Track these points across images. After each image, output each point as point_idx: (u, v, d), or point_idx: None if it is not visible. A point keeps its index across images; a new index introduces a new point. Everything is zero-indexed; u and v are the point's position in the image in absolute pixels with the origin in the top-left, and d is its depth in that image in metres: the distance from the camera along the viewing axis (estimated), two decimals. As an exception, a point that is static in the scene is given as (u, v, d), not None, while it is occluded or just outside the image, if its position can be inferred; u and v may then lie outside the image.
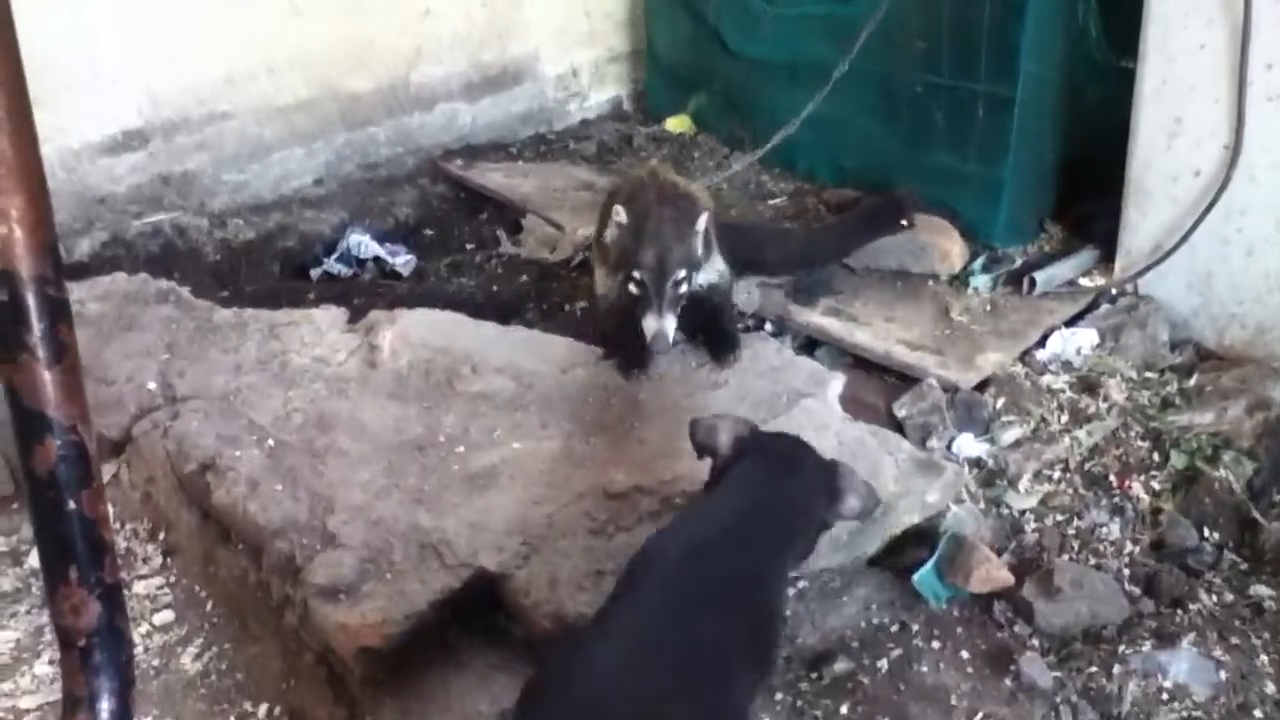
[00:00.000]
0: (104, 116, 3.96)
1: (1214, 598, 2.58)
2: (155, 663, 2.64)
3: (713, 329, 3.14)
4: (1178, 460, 2.93)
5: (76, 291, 3.40)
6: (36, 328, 1.13)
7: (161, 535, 2.98)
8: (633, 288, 2.91)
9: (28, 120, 1.09)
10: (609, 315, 3.12)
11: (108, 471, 2.99)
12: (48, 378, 1.14)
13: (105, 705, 1.29)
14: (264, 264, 4.17)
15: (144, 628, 2.72)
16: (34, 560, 2.94)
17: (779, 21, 4.28)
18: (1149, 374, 3.24)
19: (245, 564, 2.68)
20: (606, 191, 3.33)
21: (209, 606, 2.79)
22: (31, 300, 1.12)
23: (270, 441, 2.86)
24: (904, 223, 3.54)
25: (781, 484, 2.10)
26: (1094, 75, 3.76)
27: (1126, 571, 2.68)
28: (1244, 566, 2.68)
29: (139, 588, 2.83)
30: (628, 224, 2.90)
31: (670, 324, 2.89)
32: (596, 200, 4.32)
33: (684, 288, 2.92)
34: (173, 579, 2.88)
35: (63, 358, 1.16)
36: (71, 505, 1.18)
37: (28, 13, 1.15)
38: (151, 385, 3.11)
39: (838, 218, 3.94)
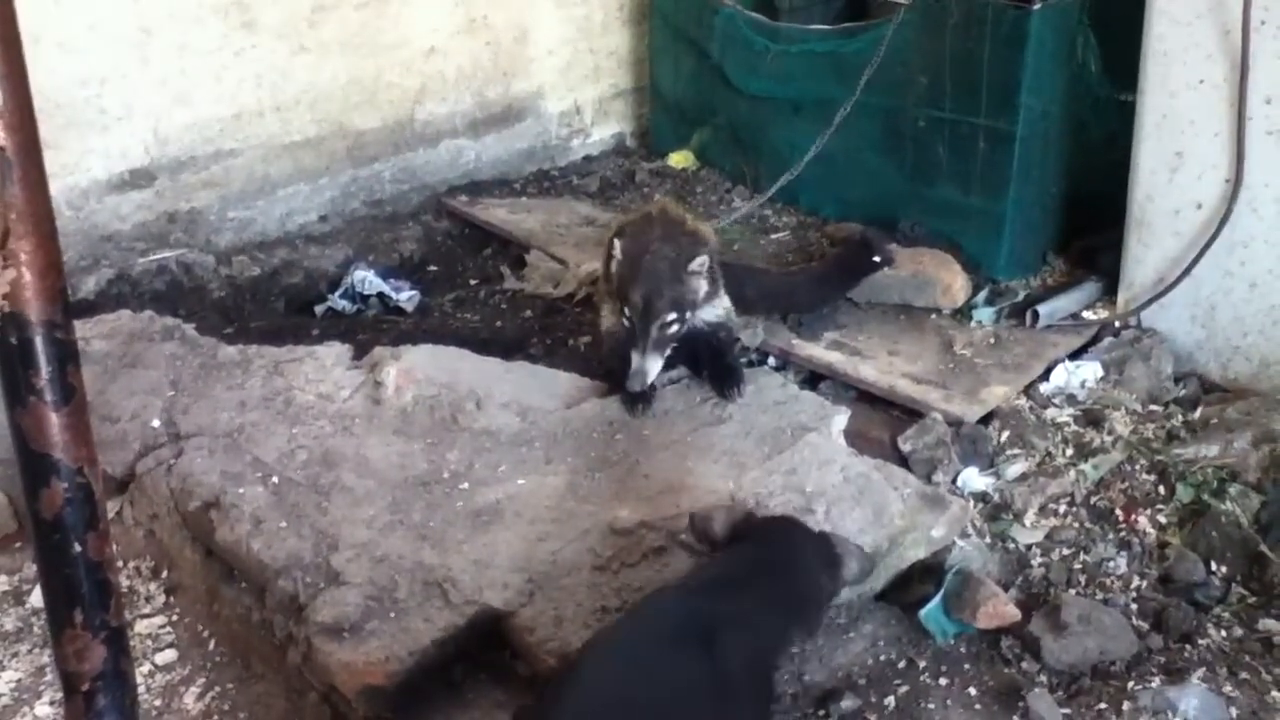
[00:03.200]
0: (111, 155, 3.99)
1: (1223, 633, 2.57)
2: (157, 703, 2.62)
3: (717, 364, 3.14)
4: (1184, 494, 2.92)
5: (82, 329, 3.41)
6: (44, 371, 1.13)
7: (164, 573, 2.97)
8: (625, 322, 2.95)
9: (39, 164, 1.10)
10: (614, 350, 3.13)
11: (111, 509, 2.98)
12: (55, 421, 1.14)
13: (109, 750, 1.29)
14: (269, 301, 4.18)
15: (146, 667, 2.70)
16: (36, 599, 2.92)
17: (782, 58, 4.31)
18: (1153, 407, 3.24)
19: (249, 602, 2.66)
20: (611, 227, 3.33)
21: (212, 645, 2.77)
22: (40, 344, 1.12)
23: (274, 479, 2.86)
24: (877, 259, 3.53)
25: (783, 556, 2.15)
26: (1095, 110, 3.79)
27: (1134, 606, 2.67)
28: (1253, 601, 2.67)
29: (141, 627, 2.81)
30: (623, 259, 2.94)
31: (653, 364, 2.94)
32: (600, 235, 4.35)
33: (674, 329, 2.95)
34: (175, 618, 2.86)
35: (70, 401, 1.16)
36: (77, 548, 1.18)
37: (35, 52, 1.16)
38: (156, 423, 3.10)
39: (813, 265, 3.94)
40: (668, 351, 2.98)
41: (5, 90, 1.05)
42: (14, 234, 1.08)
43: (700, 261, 2.99)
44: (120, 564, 2.98)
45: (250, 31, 4.15)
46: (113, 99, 3.93)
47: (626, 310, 2.93)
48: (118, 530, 3.00)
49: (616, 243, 2.96)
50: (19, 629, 2.85)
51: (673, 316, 2.92)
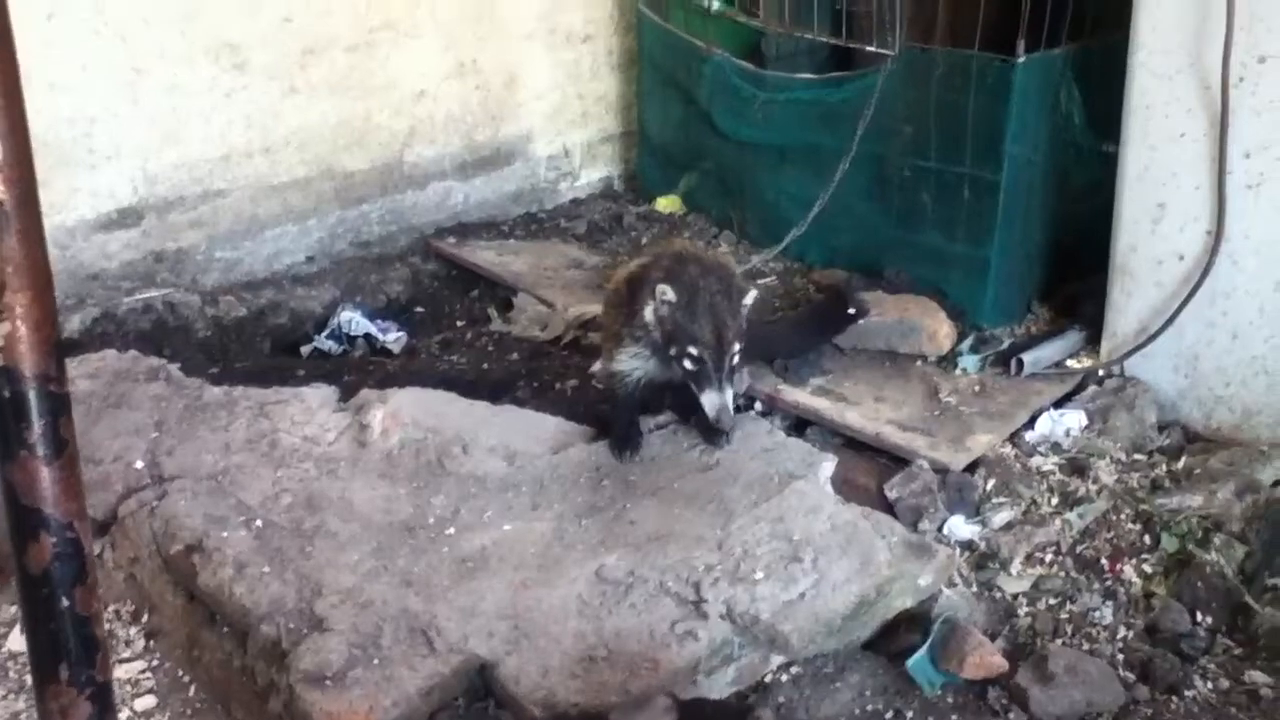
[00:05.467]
0: (99, 194, 3.99)
1: (1209, 684, 2.57)
2: (136, 750, 2.59)
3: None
4: (1168, 543, 2.93)
5: (66, 368, 3.39)
6: (37, 425, 1.12)
7: (145, 617, 2.93)
8: (688, 364, 2.89)
9: (36, 218, 1.10)
10: (611, 389, 3.10)
11: (92, 551, 2.94)
12: (46, 475, 1.13)
13: (91, 806, 1.26)
14: (255, 341, 4.17)
15: (125, 714, 2.66)
16: (13, 643, 2.88)
17: (769, 106, 4.36)
18: (1138, 456, 3.26)
19: (230, 648, 2.63)
20: (629, 267, 3.22)
21: (192, 691, 2.73)
22: (33, 398, 1.12)
23: (258, 522, 2.83)
24: (851, 311, 3.53)
25: None
26: (1078, 160, 3.84)
27: (1121, 657, 2.67)
28: (1238, 652, 2.67)
29: (120, 672, 2.77)
30: (678, 301, 2.88)
31: (730, 398, 2.91)
32: (588, 278, 4.37)
33: (736, 361, 2.94)
34: (155, 663, 2.82)
35: (62, 454, 1.15)
36: (65, 603, 1.17)
37: (25, 92, 1.16)
38: (139, 464, 3.08)
39: (791, 314, 3.95)
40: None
41: (6, 144, 1.05)
42: (9, 287, 1.07)
43: (751, 297, 3.00)
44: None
45: (241, 73, 4.17)
46: (102, 138, 3.94)
47: (694, 350, 2.86)
48: (98, 573, 2.96)
49: (665, 287, 2.88)
50: (-5, 674, 2.81)
51: (738, 348, 2.91)
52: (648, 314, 2.95)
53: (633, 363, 3.04)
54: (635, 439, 3.07)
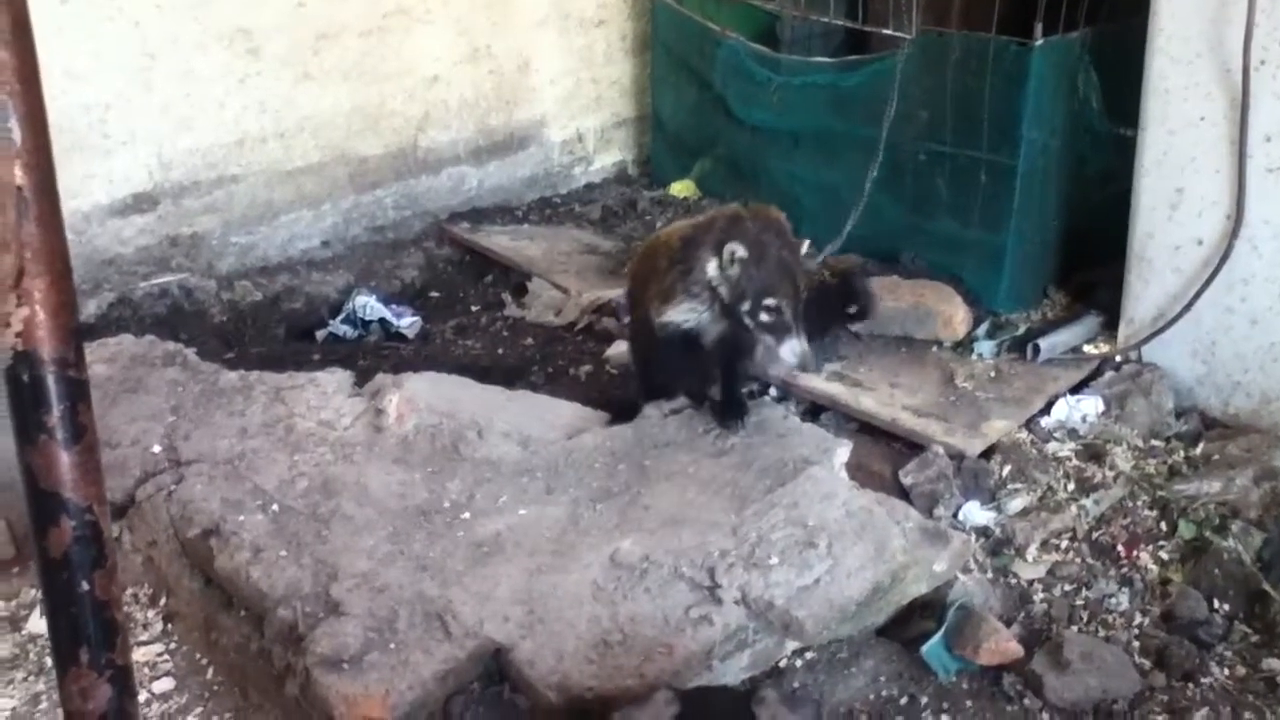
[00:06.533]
0: (114, 179, 4.00)
1: (1226, 671, 2.56)
2: (154, 732, 2.61)
3: (722, 394, 3.14)
4: (1186, 530, 2.91)
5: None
6: (56, 409, 1.13)
7: (162, 600, 2.95)
8: (765, 316, 2.88)
9: (55, 203, 1.10)
10: (666, 344, 3.08)
11: (110, 535, 2.96)
12: (65, 459, 1.14)
13: (111, 789, 1.27)
14: (270, 326, 4.19)
15: (143, 696, 2.67)
16: (32, 625, 2.91)
17: (783, 90, 4.34)
18: (1155, 442, 3.24)
19: (247, 631, 2.65)
20: (675, 232, 3.19)
21: (209, 674, 2.75)
22: (52, 382, 1.12)
23: (275, 506, 2.84)
24: (851, 310, 3.50)
25: None
26: (1095, 145, 3.81)
27: (1136, 644, 2.66)
28: (1255, 639, 2.66)
29: (138, 654, 2.79)
30: (750, 256, 2.86)
31: (807, 343, 2.94)
32: (602, 263, 4.37)
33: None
34: (173, 646, 2.84)
35: (80, 439, 1.16)
36: (84, 587, 1.18)
37: (41, 75, 1.16)
38: (156, 448, 3.09)
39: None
40: None
41: (25, 129, 1.05)
42: (28, 272, 1.08)
43: (805, 245, 3.06)
44: (118, 591, 2.95)
45: (254, 59, 4.17)
46: (116, 124, 3.95)
47: (771, 302, 2.86)
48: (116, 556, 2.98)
49: (736, 245, 2.87)
50: (15, 655, 2.82)
51: (804, 294, 2.94)
52: (710, 269, 2.91)
53: (687, 315, 3.00)
54: (744, 404, 3.16)
